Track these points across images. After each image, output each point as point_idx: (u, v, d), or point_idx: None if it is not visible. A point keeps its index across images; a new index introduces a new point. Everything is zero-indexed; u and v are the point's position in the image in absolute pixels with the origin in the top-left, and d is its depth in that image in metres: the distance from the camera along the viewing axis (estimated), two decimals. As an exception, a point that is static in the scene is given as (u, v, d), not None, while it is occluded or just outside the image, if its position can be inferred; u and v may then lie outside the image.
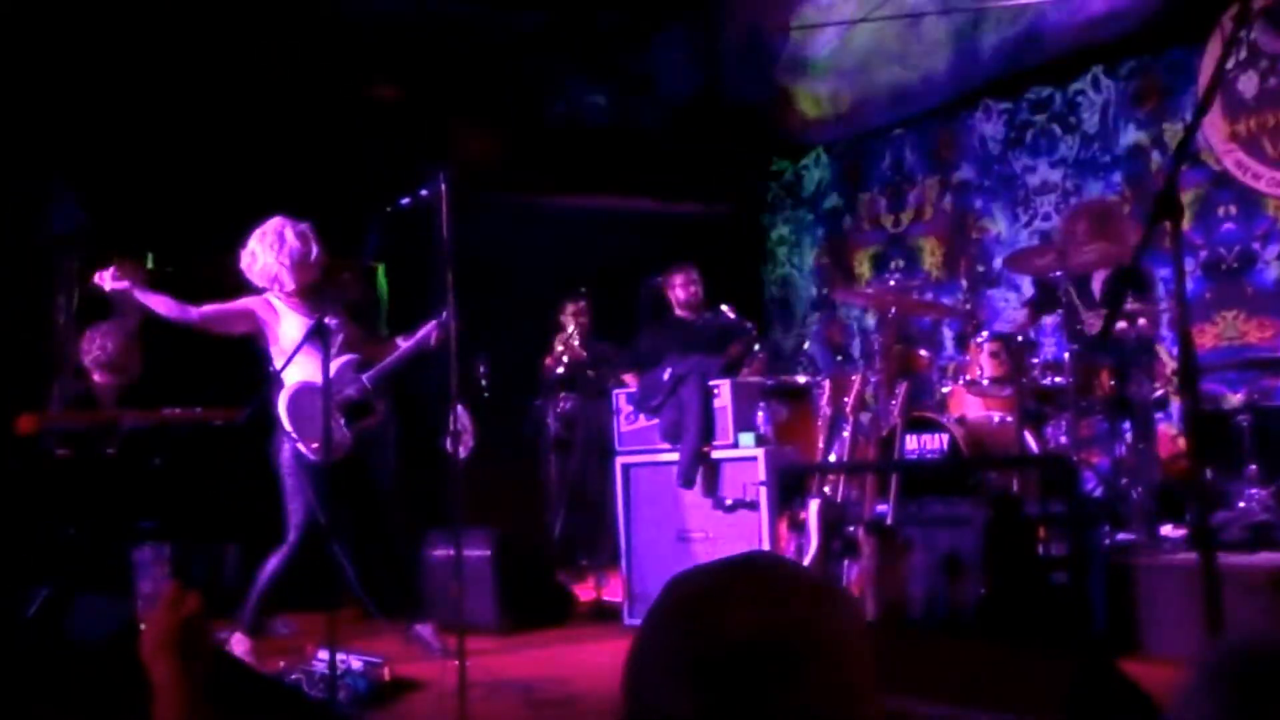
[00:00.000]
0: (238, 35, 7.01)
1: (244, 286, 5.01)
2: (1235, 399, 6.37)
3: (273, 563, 4.85)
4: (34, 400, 5.59)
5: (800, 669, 0.99)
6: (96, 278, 4.81)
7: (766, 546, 5.59)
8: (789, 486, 5.42)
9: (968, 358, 5.60)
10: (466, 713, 3.82)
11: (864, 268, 9.06)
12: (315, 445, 4.73)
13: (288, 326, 4.91)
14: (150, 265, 5.07)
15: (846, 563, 4.92)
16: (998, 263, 7.89)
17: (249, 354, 5.11)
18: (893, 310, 5.72)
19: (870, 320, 8.54)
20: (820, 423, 5.31)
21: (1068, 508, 4.67)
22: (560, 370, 7.01)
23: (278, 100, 7.23)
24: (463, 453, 5.00)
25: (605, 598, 6.30)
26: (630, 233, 8.43)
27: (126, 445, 5.36)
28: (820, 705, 0.99)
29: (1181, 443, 6.26)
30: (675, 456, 6.12)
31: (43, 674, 2.56)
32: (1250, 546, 4.94)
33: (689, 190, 9.02)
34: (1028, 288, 7.28)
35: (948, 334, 8.20)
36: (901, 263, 8.76)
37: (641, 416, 6.40)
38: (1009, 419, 5.45)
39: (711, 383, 6.11)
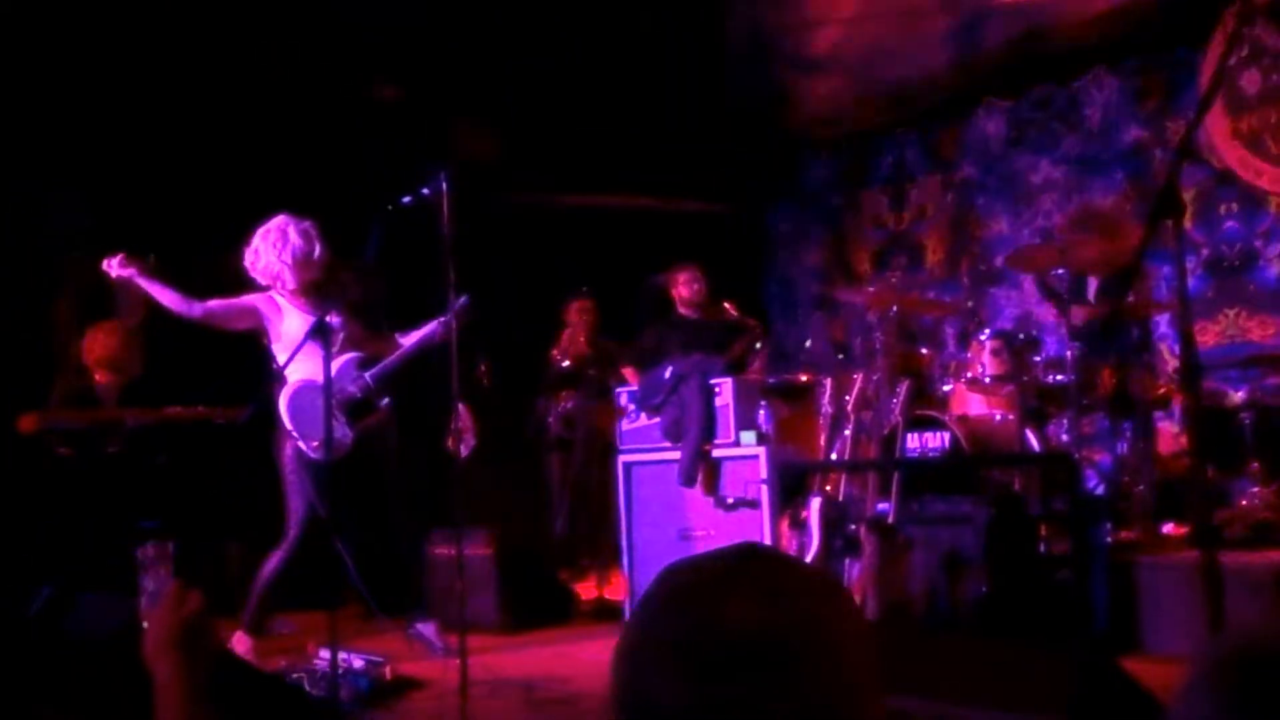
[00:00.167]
0: (239, 36, 7.01)
1: (246, 285, 5.02)
2: (1237, 397, 6.36)
3: (273, 561, 4.85)
4: (36, 399, 5.60)
5: (800, 665, 0.98)
6: (104, 264, 4.83)
7: (768, 545, 5.59)
8: (790, 485, 5.42)
9: (969, 355, 5.61)
10: (468, 712, 3.82)
11: (866, 266, 9.06)
12: (316, 443, 4.73)
13: (290, 324, 4.91)
14: (152, 264, 5.08)
15: (848, 561, 4.92)
16: (999, 260, 7.88)
17: (251, 352, 5.11)
18: (894, 308, 5.72)
19: (872, 318, 8.53)
20: (822, 421, 5.31)
21: (1069, 506, 4.67)
22: (566, 364, 7.01)
23: (279, 100, 7.24)
24: (464, 452, 5.00)
25: (607, 597, 6.30)
26: (632, 231, 8.43)
27: (129, 444, 5.37)
28: (820, 703, 0.98)
29: (1183, 440, 6.25)
30: (677, 455, 6.12)
31: (45, 672, 2.57)
32: (1252, 544, 4.94)
33: (691, 188, 9.01)
34: (1029, 286, 7.29)
35: (949, 332, 8.20)
36: (903, 261, 8.76)
37: (643, 415, 6.40)
38: (1010, 417, 5.45)
39: (713, 381, 6.11)
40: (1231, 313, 6.92)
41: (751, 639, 0.98)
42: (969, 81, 8.17)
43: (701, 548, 5.98)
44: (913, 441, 5.39)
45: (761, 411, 6.04)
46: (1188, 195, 6.75)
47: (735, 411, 6.00)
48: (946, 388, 5.89)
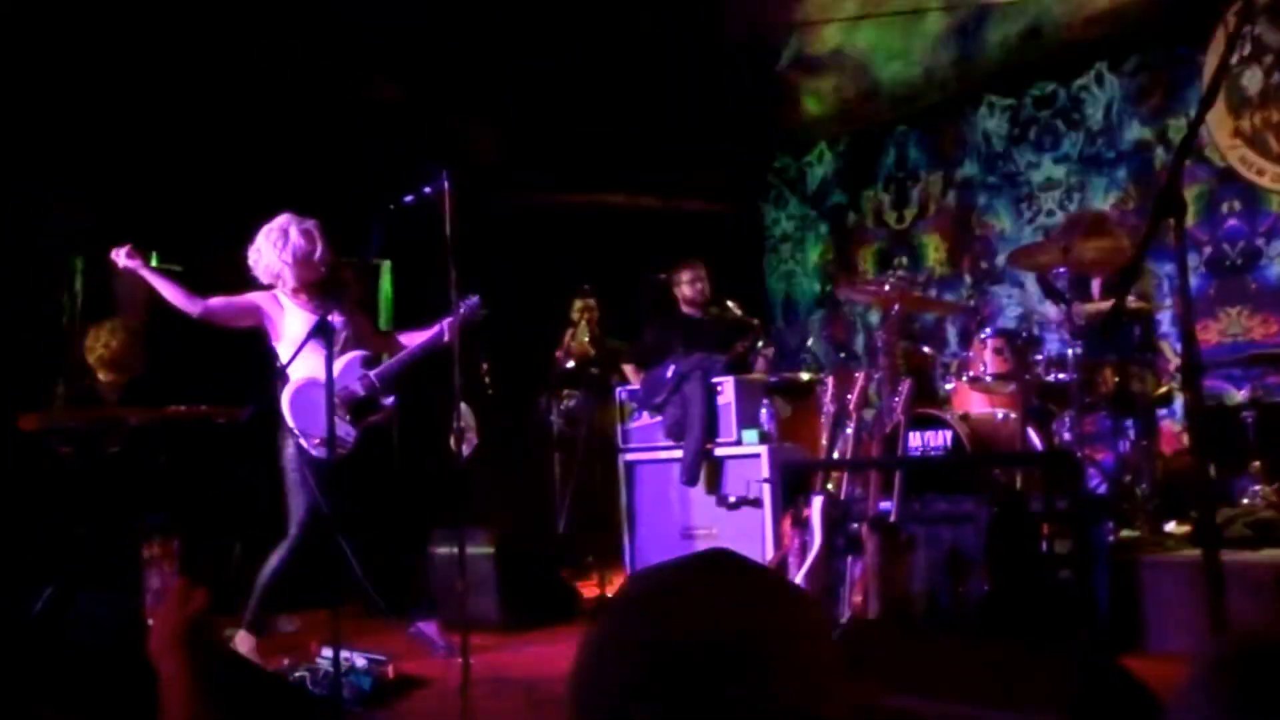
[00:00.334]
0: (241, 36, 7.02)
1: (249, 284, 5.03)
2: (1239, 395, 6.36)
3: (275, 560, 4.85)
4: (38, 398, 5.60)
5: (759, 668, 0.98)
6: (112, 253, 4.85)
7: (770, 543, 5.60)
8: (792, 483, 5.41)
9: (971, 354, 5.61)
10: (470, 710, 3.82)
11: (867, 264, 9.06)
12: (318, 441, 4.74)
13: (292, 323, 4.92)
14: (155, 263, 5.09)
15: (850, 560, 4.92)
16: (1001, 259, 7.89)
17: (252, 351, 5.11)
18: (896, 307, 5.72)
19: (874, 317, 8.54)
20: (824, 419, 5.30)
21: (1071, 504, 4.66)
22: (570, 364, 7.02)
23: (281, 99, 7.24)
24: (466, 451, 5.01)
25: (609, 595, 6.31)
26: (634, 230, 8.43)
27: (131, 443, 5.37)
28: (780, 705, 0.98)
29: (1185, 439, 6.25)
30: (679, 454, 6.12)
31: (49, 671, 2.57)
32: (1254, 543, 4.94)
33: (692, 187, 9.02)
34: (1031, 284, 7.29)
35: (951, 331, 8.20)
36: (905, 259, 8.76)
37: (645, 414, 6.40)
38: (1012, 415, 5.45)
39: (715, 380, 6.12)
40: (1233, 311, 6.92)
41: (708, 647, 0.98)
42: (970, 80, 8.17)
43: (703, 546, 5.99)
44: (915, 440, 5.39)
45: (763, 410, 6.05)
46: (1190, 194, 6.76)
47: (737, 410, 6.01)
48: (948, 386, 5.89)
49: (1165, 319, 6.42)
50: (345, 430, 4.81)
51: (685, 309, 6.92)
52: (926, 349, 6.29)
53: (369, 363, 5.03)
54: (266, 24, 7.11)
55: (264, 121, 7.15)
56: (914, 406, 5.24)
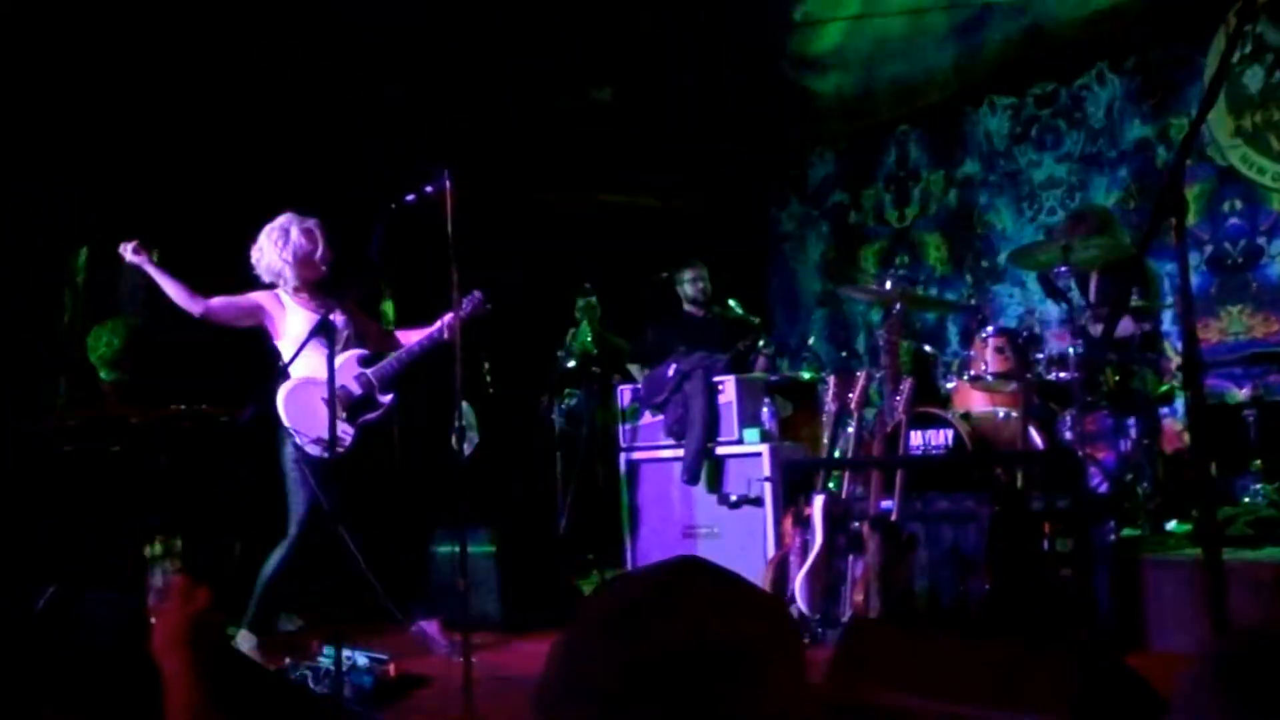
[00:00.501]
0: (242, 34, 7.02)
1: (249, 283, 5.04)
2: (1241, 394, 6.36)
3: (275, 559, 4.86)
4: (40, 398, 5.60)
5: (730, 678, 0.98)
6: (120, 247, 4.88)
7: (771, 542, 5.60)
8: (794, 482, 5.42)
9: (973, 353, 5.61)
10: (471, 709, 3.82)
11: (869, 263, 9.06)
12: (312, 439, 4.77)
13: (293, 322, 4.93)
14: (156, 260, 5.11)
15: (851, 558, 4.92)
16: (1002, 258, 7.89)
17: (254, 350, 5.12)
18: (897, 306, 5.72)
19: (875, 316, 8.54)
20: (825, 418, 5.31)
21: (1073, 503, 4.67)
22: (571, 364, 7.02)
23: (282, 98, 7.24)
24: (467, 449, 5.01)
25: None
26: (636, 229, 8.43)
27: (132, 442, 5.37)
28: (755, 710, 0.98)
29: (1187, 438, 6.26)
30: (680, 453, 6.13)
31: (52, 670, 2.57)
32: (1255, 542, 4.94)
33: (694, 186, 9.02)
34: (1033, 284, 7.29)
35: (952, 329, 8.20)
36: (906, 258, 8.76)
37: (647, 413, 6.41)
38: (1014, 414, 5.45)
39: (716, 379, 6.12)
40: (1235, 310, 6.92)
41: (678, 659, 0.97)
42: (971, 79, 8.17)
43: (705, 545, 6.02)
44: (916, 439, 5.39)
45: (765, 409, 6.05)
46: (1191, 192, 6.76)
47: (739, 409, 6.01)
48: (950, 385, 5.89)
49: (1167, 318, 6.42)
50: (342, 429, 4.82)
51: (687, 308, 6.93)
52: (928, 348, 6.30)
53: (367, 361, 5.03)
54: (268, 23, 7.11)
55: (266, 120, 7.15)
56: (915, 405, 5.24)
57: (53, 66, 6.47)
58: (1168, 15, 7.09)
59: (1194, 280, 6.77)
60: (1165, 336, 6.32)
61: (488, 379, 6.36)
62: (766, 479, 5.80)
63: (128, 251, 4.88)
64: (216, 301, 4.94)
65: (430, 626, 5.10)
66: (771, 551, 5.47)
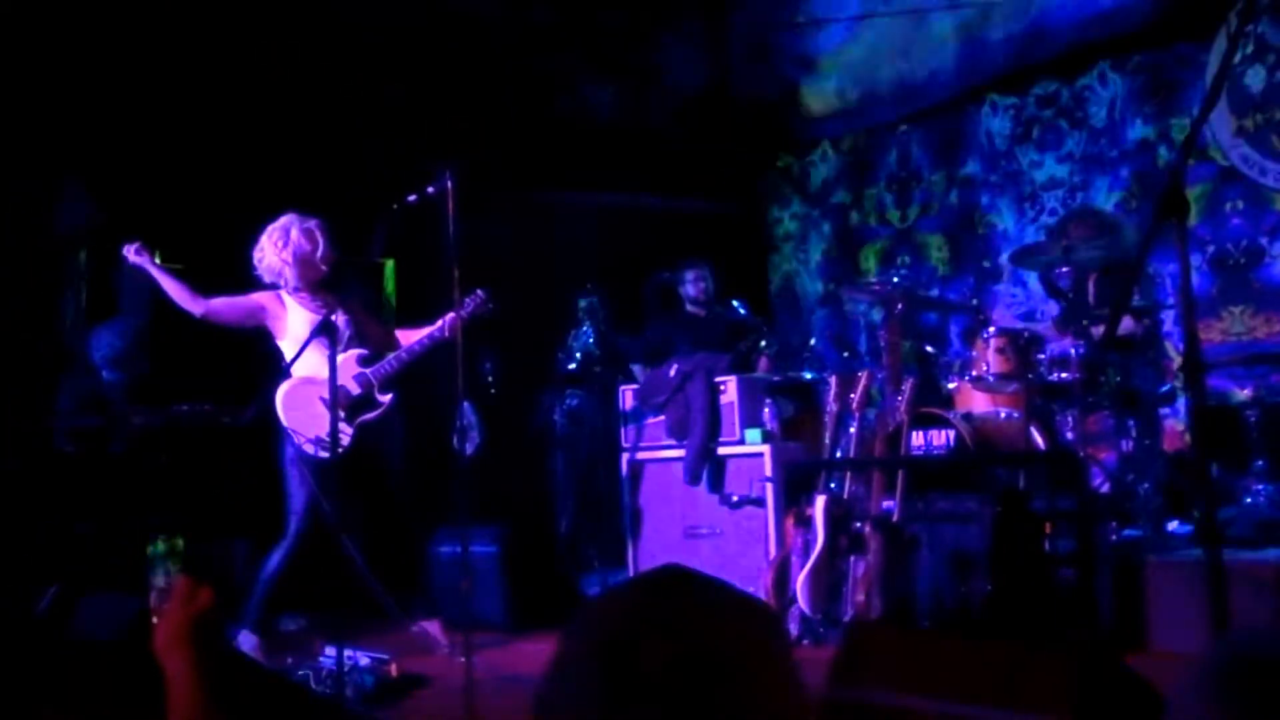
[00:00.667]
0: (245, 33, 7.02)
1: (251, 283, 5.04)
2: (1243, 394, 6.36)
3: (275, 558, 4.86)
4: (43, 398, 5.61)
5: (721, 689, 0.98)
6: (124, 248, 4.91)
7: (773, 543, 5.60)
8: (795, 483, 5.42)
9: (974, 353, 5.61)
10: (473, 710, 3.82)
11: (870, 263, 9.06)
12: (309, 439, 4.78)
13: (295, 322, 4.93)
14: (158, 261, 5.12)
15: (853, 559, 4.93)
16: (1004, 258, 7.89)
17: (256, 350, 5.12)
18: (899, 306, 5.72)
19: (877, 316, 8.55)
20: (827, 419, 5.31)
21: (1075, 504, 4.67)
22: (571, 365, 7.01)
23: (285, 97, 7.25)
24: (469, 449, 5.01)
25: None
26: (637, 229, 8.43)
27: (135, 442, 5.38)
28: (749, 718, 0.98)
29: (1189, 438, 6.25)
30: (682, 453, 6.13)
31: (55, 670, 2.58)
32: (1257, 542, 4.94)
33: (696, 186, 9.02)
34: (1034, 284, 7.29)
35: (954, 330, 8.20)
36: (908, 258, 8.76)
37: (648, 413, 6.40)
38: (1015, 415, 5.46)
39: (718, 379, 6.12)
40: (1237, 310, 6.92)
41: (669, 679, 0.98)
42: (973, 79, 8.17)
43: (707, 545, 6.02)
44: (918, 439, 5.39)
45: (766, 409, 6.05)
46: (1193, 193, 6.75)
47: (740, 409, 6.01)
48: (951, 385, 5.89)
49: (1168, 318, 6.42)
50: (340, 429, 4.82)
51: (689, 308, 6.93)
52: (929, 348, 6.30)
53: (367, 361, 5.04)
54: (269, 23, 7.11)
55: (268, 119, 7.15)
56: (917, 406, 5.24)
57: (54, 66, 6.48)
58: (1170, 14, 7.08)
59: (1196, 281, 6.79)
60: (1167, 337, 6.32)
61: (490, 379, 6.36)
62: (768, 479, 5.80)
63: (130, 253, 4.90)
64: (217, 302, 4.95)
65: (432, 626, 5.10)
66: (773, 552, 5.47)
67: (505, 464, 6.69)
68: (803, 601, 4.93)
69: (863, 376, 5.21)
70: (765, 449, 5.87)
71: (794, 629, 4.95)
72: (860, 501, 5.05)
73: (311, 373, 4.80)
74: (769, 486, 5.78)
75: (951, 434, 5.36)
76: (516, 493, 7.02)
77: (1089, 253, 5.26)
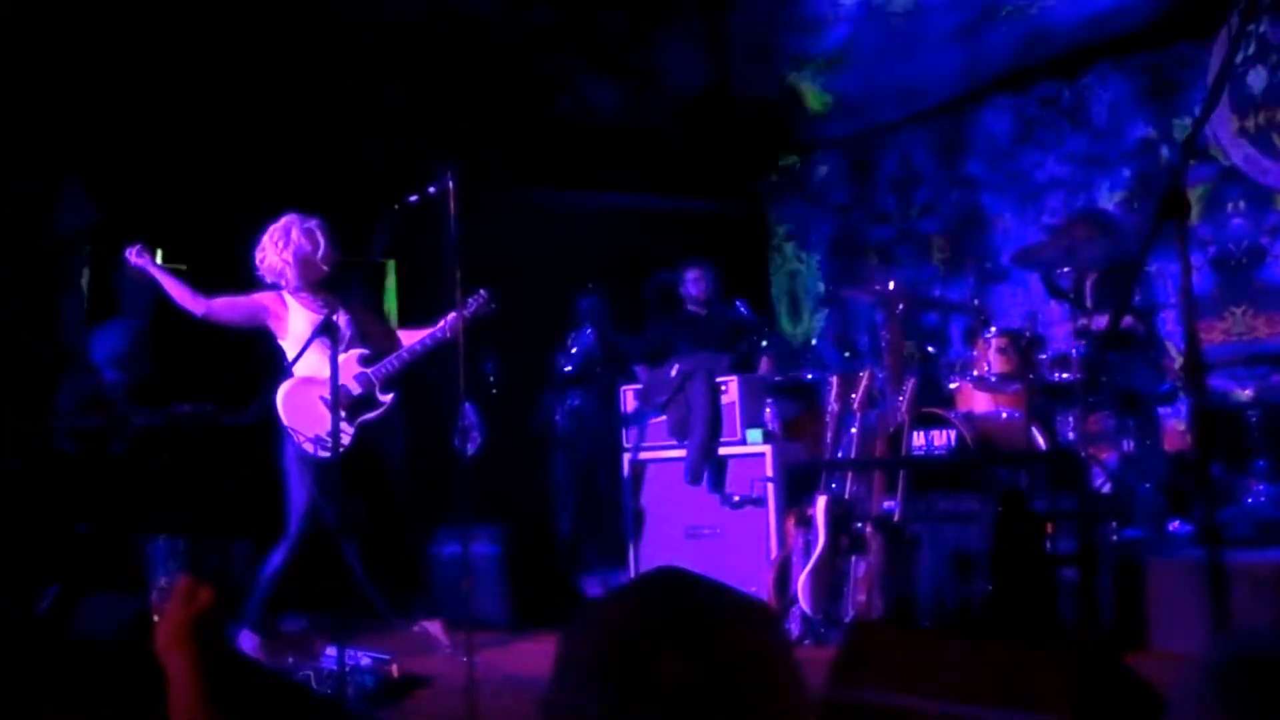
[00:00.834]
0: (245, 33, 7.02)
1: (252, 283, 5.05)
2: (1244, 394, 6.36)
3: (276, 558, 4.87)
4: (44, 398, 5.62)
5: (725, 692, 0.98)
6: (126, 251, 4.93)
7: (774, 543, 5.60)
8: (796, 483, 5.42)
9: (975, 353, 5.61)
10: (475, 709, 3.82)
11: (872, 263, 9.06)
12: (309, 439, 4.78)
13: (296, 322, 4.94)
14: (159, 262, 5.13)
15: (854, 559, 4.93)
16: (1005, 258, 7.89)
17: (258, 350, 5.13)
18: (900, 306, 5.72)
19: (878, 316, 8.54)
20: (828, 419, 5.31)
21: (1076, 503, 4.67)
22: (569, 368, 7.01)
23: (286, 97, 7.25)
24: (471, 450, 5.01)
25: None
26: (638, 229, 8.44)
27: (137, 442, 5.38)
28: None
29: (1190, 438, 6.25)
30: (683, 453, 6.13)
31: (55, 670, 2.58)
32: (1258, 542, 4.94)
33: (697, 186, 9.02)
34: (1035, 284, 7.28)
35: (955, 330, 8.20)
36: (910, 258, 8.76)
37: (649, 413, 6.41)
38: (1017, 415, 5.46)
39: (719, 379, 6.12)
40: (1238, 310, 6.92)
41: (670, 679, 0.97)
42: (974, 78, 8.17)
43: (708, 546, 6.01)
44: (919, 440, 5.40)
45: (768, 409, 6.05)
46: (1194, 193, 6.75)
47: (741, 409, 6.01)
48: (953, 385, 5.89)
49: (1170, 318, 6.42)
50: (341, 428, 4.82)
51: (690, 308, 6.93)
52: (930, 348, 6.30)
53: (368, 360, 5.04)
54: (270, 23, 7.11)
55: (269, 120, 7.16)
56: (918, 406, 5.24)
57: (54, 67, 6.48)
58: (1172, 14, 7.08)
59: (1197, 281, 6.79)
60: (1168, 337, 6.32)
61: (491, 379, 6.37)
62: (769, 479, 5.80)
63: (131, 256, 4.92)
64: (218, 302, 4.96)
65: (433, 626, 5.11)
66: (774, 552, 5.48)
67: (506, 464, 6.69)
68: (804, 602, 4.93)
69: (864, 376, 5.22)
70: (766, 449, 5.88)
71: (795, 629, 4.95)
72: (861, 501, 5.05)
73: (313, 372, 4.81)
74: (770, 487, 5.79)
75: (953, 434, 5.37)
76: (517, 493, 7.02)
77: (1090, 253, 5.25)
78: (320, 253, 4.97)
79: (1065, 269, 5.33)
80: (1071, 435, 5.29)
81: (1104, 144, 7.60)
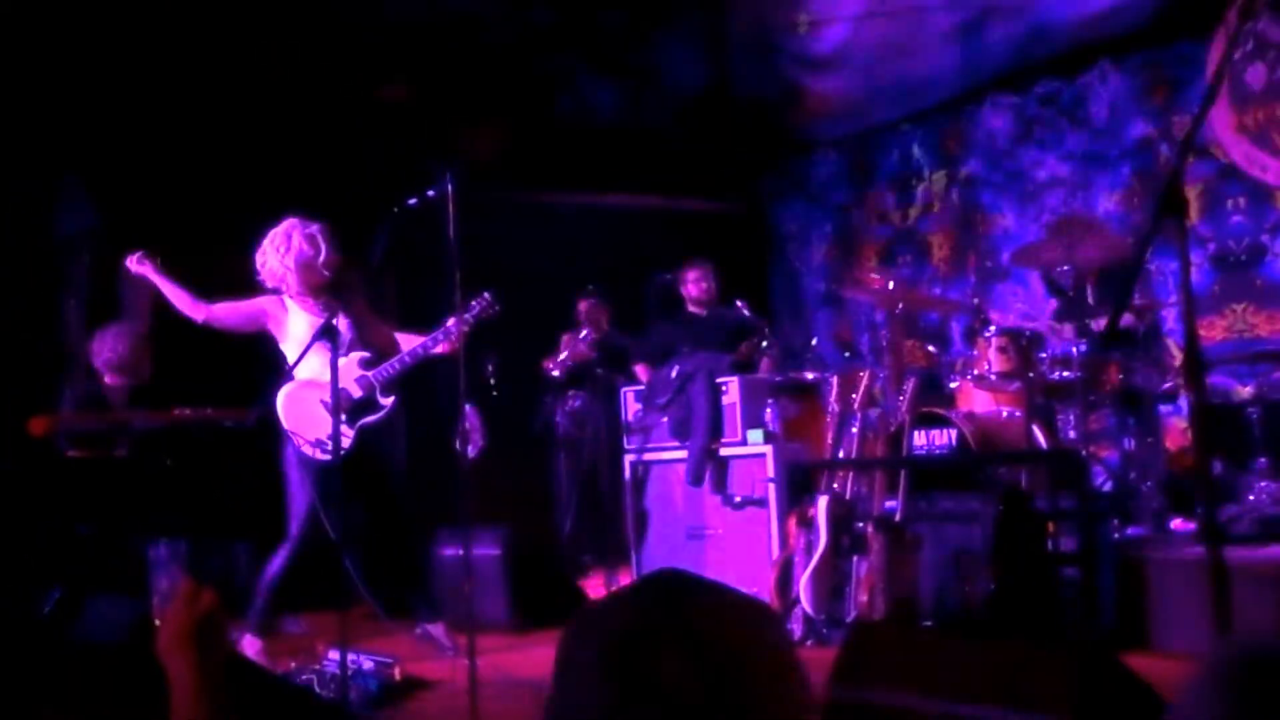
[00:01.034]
0: (246, 35, 7.03)
1: (252, 287, 5.05)
2: (1245, 392, 6.36)
3: (277, 560, 4.87)
4: (45, 401, 5.62)
5: (726, 693, 0.98)
6: (127, 260, 4.97)
7: (775, 543, 5.60)
8: (798, 483, 5.43)
9: (976, 353, 5.61)
10: (477, 711, 3.83)
11: (872, 263, 9.06)
12: (309, 442, 4.78)
13: (297, 326, 4.94)
14: (159, 266, 5.14)
15: (855, 559, 4.93)
16: (1006, 257, 7.88)
17: (259, 354, 5.13)
18: (900, 305, 5.72)
19: (879, 316, 8.54)
20: (829, 419, 5.31)
21: (1077, 502, 4.67)
22: (556, 374, 6.98)
23: (286, 100, 7.25)
24: (472, 452, 5.02)
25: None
26: (639, 230, 8.44)
27: (138, 446, 5.38)
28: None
29: (1191, 436, 6.25)
30: (684, 454, 6.13)
31: (58, 673, 2.58)
32: (1260, 540, 4.93)
33: (697, 186, 9.02)
34: (1036, 283, 7.28)
35: (956, 329, 8.20)
36: (909, 257, 8.76)
37: (651, 414, 6.41)
38: (1017, 414, 5.46)
39: (720, 380, 6.12)
40: (1239, 308, 6.92)
41: (671, 680, 0.97)
42: (974, 77, 8.17)
43: (710, 546, 6.01)
44: (920, 439, 5.40)
45: (768, 410, 6.05)
46: (1194, 191, 6.75)
47: (742, 410, 6.01)
48: (953, 385, 5.89)
49: (1170, 315, 6.42)
50: (342, 431, 4.82)
51: (691, 309, 6.92)
52: (931, 348, 6.30)
53: (369, 364, 5.04)
54: (270, 25, 7.12)
55: (269, 122, 7.16)
56: (919, 405, 5.24)
57: (54, 68, 6.49)
58: (1170, 12, 7.08)
59: (1197, 278, 6.79)
60: (1169, 335, 6.32)
61: (492, 381, 6.37)
62: (770, 480, 5.80)
63: (132, 264, 4.94)
64: (219, 308, 4.97)
65: (435, 629, 5.11)
66: (776, 552, 5.48)
67: (508, 466, 6.70)
68: (806, 602, 4.93)
69: (864, 376, 5.22)
70: (767, 449, 5.88)
71: (797, 630, 4.96)
72: (862, 501, 5.05)
73: (313, 376, 4.81)
74: (771, 487, 5.79)
75: (953, 433, 5.37)
76: (519, 494, 7.03)
77: (1087, 252, 5.26)
78: (322, 257, 4.97)
79: (1065, 267, 5.33)
80: (1072, 434, 5.29)
81: (1104, 142, 7.60)
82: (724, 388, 6.10)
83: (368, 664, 4.33)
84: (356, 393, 4.97)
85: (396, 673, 4.38)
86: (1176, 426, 6.51)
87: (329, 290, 5.03)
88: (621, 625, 1.05)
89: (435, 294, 4.74)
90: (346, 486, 4.74)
